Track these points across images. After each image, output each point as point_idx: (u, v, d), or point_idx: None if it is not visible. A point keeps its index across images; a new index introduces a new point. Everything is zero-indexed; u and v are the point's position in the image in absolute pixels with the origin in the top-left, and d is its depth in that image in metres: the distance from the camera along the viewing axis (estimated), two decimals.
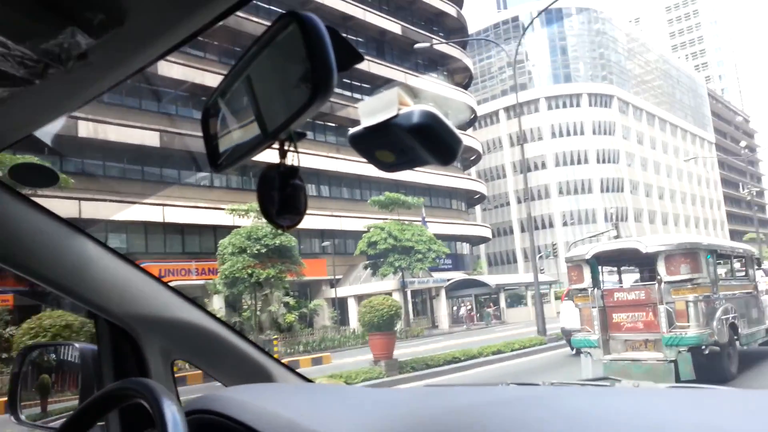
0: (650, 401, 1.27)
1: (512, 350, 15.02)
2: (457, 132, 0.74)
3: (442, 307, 35.65)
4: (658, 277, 8.38)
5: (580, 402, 1.31)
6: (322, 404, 1.27)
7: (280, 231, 24.22)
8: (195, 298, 1.78)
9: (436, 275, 38.36)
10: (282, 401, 1.23)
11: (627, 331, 8.58)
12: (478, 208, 73.98)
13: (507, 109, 72.48)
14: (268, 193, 0.72)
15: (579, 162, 69.79)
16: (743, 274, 10.39)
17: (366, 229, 29.05)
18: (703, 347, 7.95)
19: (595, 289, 8.88)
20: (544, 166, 70.18)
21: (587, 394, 1.46)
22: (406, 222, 29.69)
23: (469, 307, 32.51)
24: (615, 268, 12.07)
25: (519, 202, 71.63)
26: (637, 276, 11.47)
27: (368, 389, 1.76)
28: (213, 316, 1.62)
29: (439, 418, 1.14)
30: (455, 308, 37.35)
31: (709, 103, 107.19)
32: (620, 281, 11.15)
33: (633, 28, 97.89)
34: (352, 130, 0.73)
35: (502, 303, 35.79)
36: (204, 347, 1.60)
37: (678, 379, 7.62)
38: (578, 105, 70.50)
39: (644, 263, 9.97)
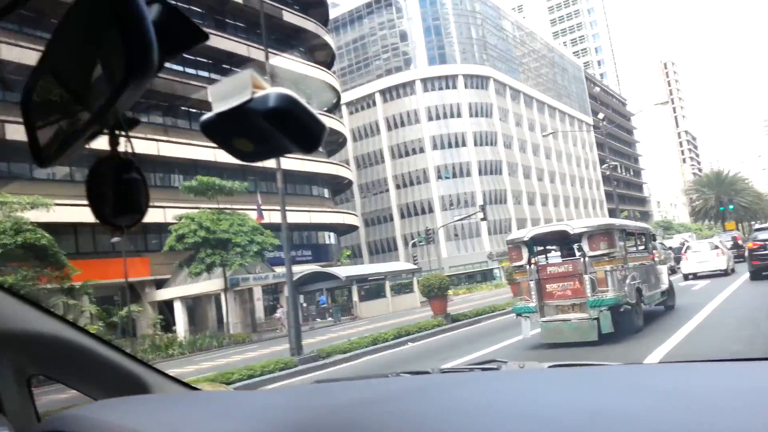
0: (534, 383, 1.40)
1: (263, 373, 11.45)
2: (319, 116, 0.70)
3: (285, 304, 31.94)
4: (582, 253, 10.04)
5: (468, 390, 1.37)
6: (197, 414, 1.21)
7: (26, 228, 20.14)
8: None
9: (280, 269, 34.58)
10: (152, 414, 1.19)
11: (558, 298, 10.09)
12: (357, 195, 70.95)
13: (383, 92, 69.71)
14: (99, 190, 0.64)
15: (457, 145, 68.22)
16: (644, 248, 12.22)
17: (176, 221, 24.74)
18: (619, 307, 9.66)
19: (532, 265, 10.32)
20: (421, 150, 68.08)
21: (475, 381, 1.55)
22: (228, 211, 25.68)
23: (281, 308, 28.88)
24: (542, 247, 12.86)
25: (398, 187, 69.27)
26: (558, 254, 12.75)
27: (256, 393, 1.77)
28: (74, 325, 1.52)
29: (327, 418, 1.13)
30: (304, 305, 33.75)
31: (588, 88, 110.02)
32: (546, 258, 12.17)
33: (518, 16, 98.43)
34: (203, 117, 0.68)
35: (355, 296, 32.58)
36: (65, 360, 1.50)
37: (600, 333, 9.32)
38: (454, 87, 68.82)
39: (571, 242, 11.29)
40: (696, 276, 22.18)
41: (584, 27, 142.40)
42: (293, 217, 38.94)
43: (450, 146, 67.98)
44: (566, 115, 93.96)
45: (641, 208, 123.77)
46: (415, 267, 40.31)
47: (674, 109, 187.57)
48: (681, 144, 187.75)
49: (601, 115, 33.30)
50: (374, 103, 70.18)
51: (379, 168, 69.79)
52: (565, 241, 11.58)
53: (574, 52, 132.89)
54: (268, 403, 1.33)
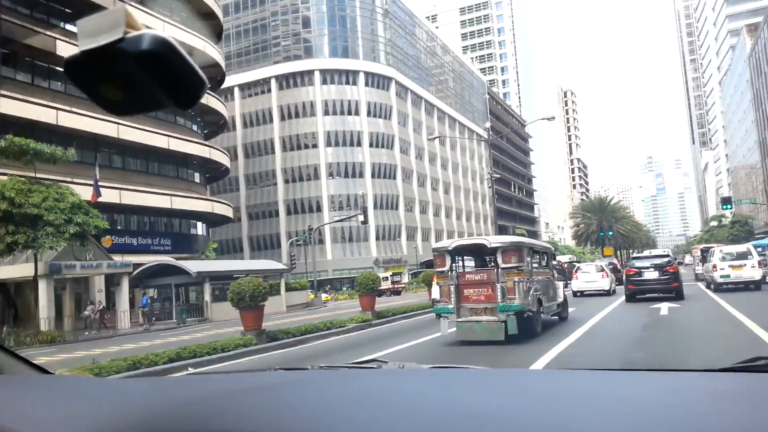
0: (412, 382, 1.44)
1: None
2: (199, 69, 0.64)
3: (124, 300, 27.55)
4: (496, 264, 11.42)
5: (345, 386, 1.41)
6: (47, 397, 1.17)
7: None
8: None
9: (131, 258, 30.04)
10: None
11: (473, 302, 11.39)
12: (243, 186, 66.46)
13: (279, 79, 65.72)
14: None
15: (352, 144, 65.44)
16: (545, 264, 13.72)
17: None
18: (524, 313, 11.05)
19: (453, 271, 11.75)
20: (315, 145, 64.73)
21: (355, 377, 1.59)
22: (45, 182, 21.16)
23: (98, 306, 24.66)
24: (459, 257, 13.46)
25: (287, 182, 65.48)
26: (473, 263, 13.65)
27: (119, 381, 1.71)
28: None
29: (196, 406, 1.11)
30: (148, 302, 29.34)
31: (490, 104, 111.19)
32: (463, 267, 12.95)
33: (431, 26, 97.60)
34: (68, 56, 0.61)
35: (207, 296, 28.67)
36: None
37: (507, 334, 10.58)
38: (355, 83, 66.06)
39: (487, 254, 12.49)
40: (583, 293, 24.69)
41: (493, 45, 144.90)
42: (150, 200, 34.46)
43: (345, 144, 65.09)
44: (465, 128, 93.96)
45: (530, 228, 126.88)
46: (284, 267, 36.89)
47: (569, 137, 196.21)
48: (573, 171, 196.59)
49: (488, 124, 31.51)
50: (269, 90, 66.04)
51: (269, 159, 65.67)
52: (481, 253, 12.79)
53: (481, 69, 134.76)
54: (128, 391, 1.31)
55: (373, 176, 65.76)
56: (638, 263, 20.60)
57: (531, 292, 11.39)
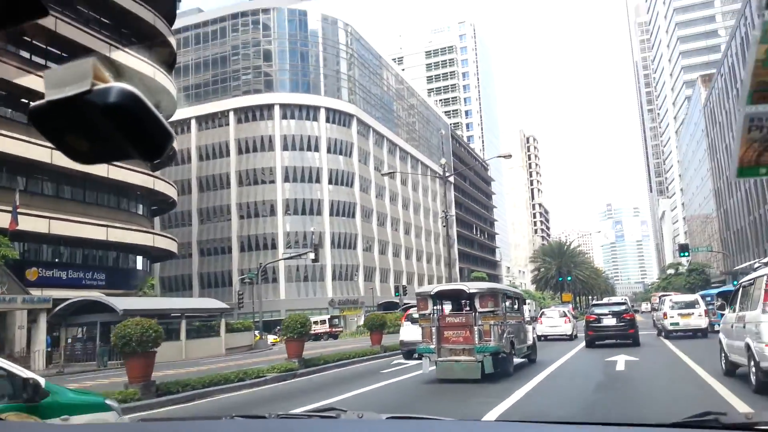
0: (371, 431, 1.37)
1: None
2: (165, 122, 0.64)
3: (40, 339, 24.97)
4: (473, 309, 12.50)
5: None
6: None
7: None
8: None
9: (60, 293, 27.53)
10: None
11: (453, 343, 12.29)
12: (195, 220, 63.99)
13: (238, 112, 64.18)
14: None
15: (311, 180, 63.87)
16: (517, 309, 14.66)
17: None
18: (498, 354, 12.07)
19: (434, 314, 12.59)
20: (272, 180, 62.94)
21: (312, 428, 1.57)
22: None
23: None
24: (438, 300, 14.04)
25: (242, 217, 63.28)
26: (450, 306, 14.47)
27: (72, 426, 1.71)
28: None
29: None
30: (69, 340, 26.79)
31: (454, 147, 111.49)
32: (442, 310, 13.61)
33: (397, 67, 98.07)
34: (33, 104, 0.60)
35: None
36: None
37: (483, 374, 11.57)
38: (315, 119, 64.94)
39: (466, 299, 13.54)
40: (547, 338, 25.97)
41: (458, 89, 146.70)
42: (84, 231, 32.04)
43: (303, 180, 63.47)
44: (428, 168, 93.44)
45: (491, 271, 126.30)
46: (225, 307, 34.57)
47: (531, 182, 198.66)
48: (535, 216, 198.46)
49: (443, 161, 30.44)
50: (227, 123, 64.39)
51: (224, 193, 63.53)
52: (460, 298, 13.81)
53: (445, 111, 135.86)
54: None
55: (331, 214, 64.11)
56: (597, 310, 21.62)
57: (505, 335, 12.36)
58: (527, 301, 50.88)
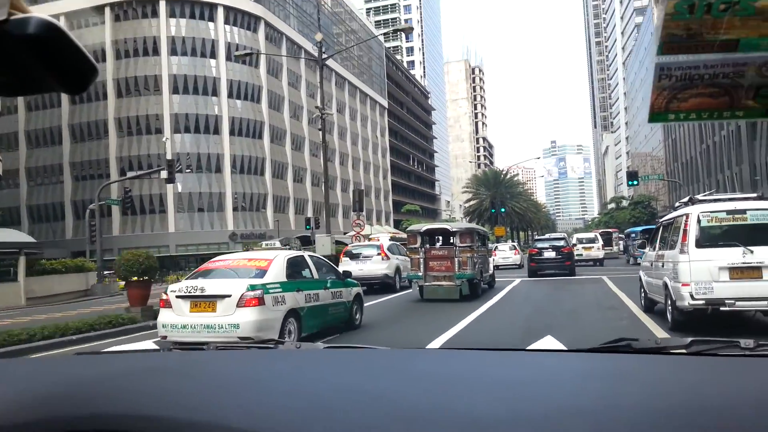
0: (307, 362, 1.51)
1: None
2: (88, 54, 0.61)
3: None
4: (454, 244, 14.89)
5: (240, 366, 1.46)
6: None
7: None
8: None
9: None
10: None
11: (437, 271, 14.74)
12: (67, 139, 53.41)
13: (115, 7, 52.70)
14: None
15: (206, 93, 53.71)
16: (483, 244, 16.99)
17: None
18: (473, 280, 14.76)
19: (422, 248, 14.99)
20: (157, 89, 52.47)
21: (249, 358, 1.64)
22: None
23: None
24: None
25: (120, 135, 52.95)
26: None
27: (9, 362, 1.76)
28: None
29: (91, 386, 1.11)
30: None
31: (390, 71, 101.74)
32: (429, 244, 15.90)
33: (360, 14, 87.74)
34: None
35: None
36: None
37: (461, 295, 14.24)
38: (212, 19, 54.15)
39: (449, 235, 15.54)
40: (499, 267, 29.21)
41: (398, 9, 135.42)
42: None
43: (196, 92, 53.27)
44: (357, 90, 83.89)
45: (430, 205, 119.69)
46: (26, 240, 25.47)
47: (476, 115, 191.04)
48: (478, 150, 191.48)
49: (318, 36, 20.75)
50: (102, 21, 52.95)
51: (100, 106, 52.73)
52: (443, 235, 16.03)
53: (384, 34, 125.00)
54: (20, 373, 1.31)
55: (232, 133, 54.47)
56: (539, 244, 23.84)
57: (477, 265, 15.10)
58: None
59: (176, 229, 52.37)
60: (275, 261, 8.56)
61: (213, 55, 53.90)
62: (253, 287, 7.76)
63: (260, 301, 7.68)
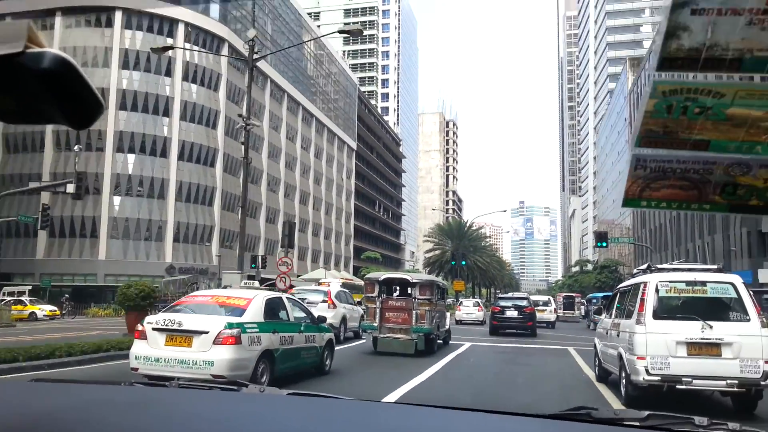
0: (270, 408, 1.52)
1: None
2: (97, 92, 0.63)
3: None
4: (413, 296, 14.33)
5: (202, 408, 1.45)
6: None
7: None
8: None
9: None
10: None
11: (393, 323, 14.16)
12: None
13: (67, 12, 49.13)
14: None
15: (157, 112, 49.91)
16: (441, 298, 16.41)
17: None
18: (430, 334, 14.21)
19: (379, 297, 14.41)
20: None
21: (212, 399, 1.61)
22: None
23: None
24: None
25: (58, 149, 48.55)
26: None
27: None
28: None
29: (43, 417, 1.11)
30: None
31: (362, 113, 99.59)
32: (387, 294, 15.41)
33: (333, 51, 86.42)
34: None
35: None
36: None
37: (416, 350, 13.71)
38: (171, 35, 50.86)
39: (409, 286, 15.18)
40: (462, 322, 31.70)
41: (376, 55, 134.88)
42: None
43: (146, 110, 49.45)
44: (325, 127, 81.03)
45: (392, 254, 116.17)
46: None
47: (447, 168, 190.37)
48: (448, 203, 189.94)
49: (251, 32, 17.51)
50: (52, 25, 49.23)
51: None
52: (402, 285, 15.77)
53: (360, 77, 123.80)
54: None
55: (181, 157, 50.49)
56: (502, 303, 24.42)
57: (434, 319, 14.41)
58: None
59: (107, 257, 47.61)
60: (254, 300, 8.62)
61: (168, 73, 50.42)
62: (230, 325, 7.77)
63: (237, 340, 7.69)
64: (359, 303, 17.82)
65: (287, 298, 10.02)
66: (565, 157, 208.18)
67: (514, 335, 22.12)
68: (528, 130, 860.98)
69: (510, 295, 28.25)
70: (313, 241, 75.76)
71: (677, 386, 7.41)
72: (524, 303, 23.73)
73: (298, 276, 59.15)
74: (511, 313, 23.02)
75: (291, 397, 1.68)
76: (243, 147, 16.65)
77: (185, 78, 50.70)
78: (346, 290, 23.40)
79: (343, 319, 17.61)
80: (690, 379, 7.37)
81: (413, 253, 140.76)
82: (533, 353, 15.48)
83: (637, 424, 1.48)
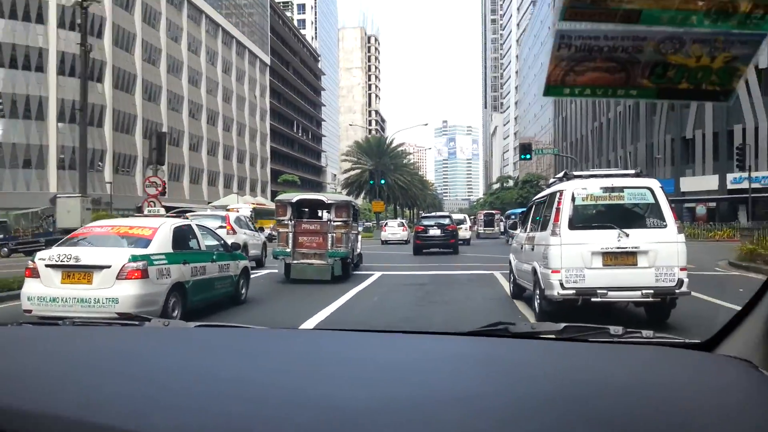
0: (176, 342, 1.46)
1: None
2: None
3: None
4: (329, 218, 13.59)
5: (99, 345, 1.37)
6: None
7: None
8: None
9: None
10: None
11: (307, 247, 13.27)
12: None
13: None
14: None
15: (29, 18, 42.99)
16: (354, 220, 15.25)
17: None
18: (346, 258, 13.51)
19: (292, 221, 13.41)
20: None
21: (112, 335, 1.53)
22: None
23: None
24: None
25: None
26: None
27: None
28: None
29: None
30: None
31: (276, 24, 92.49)
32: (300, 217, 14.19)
33: None
34: None
35: None
36: None
37: (333, 275, 12.89)
38: None
39: (324, 208, 14.45)
40: (388, 242, 32.73)
41: None
42: None
43: (15, 17, 42.42)
44: (234, 39, 74.40)
45: (313, 177, 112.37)
46: None
47: (370, 86, 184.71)
48: (370, 123, 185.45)
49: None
50: None
51: None
52: (318, 207, 14.72)
53: None
54: None
55: (62, 72, 44.16)
56: (425, 222, 24.51)
57: (350, 242, 13.79)
58: None
59: None
60: (161, 230, 7.95)
61: None
62: (135, 258, 7.24)
63: (143, 274, 7.19)
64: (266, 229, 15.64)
65: (197, 225, 9.36)
66: (487, 73, 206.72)
67: (437, 254, 22.43)
68: (451, 47, 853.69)
69: (432, 214, 28.66)
70: (224, 165, 70.97)
71: (592, 299, 7.16)
72: (446, 221, 24.12)
73: (209, 203, 55.11)
74: (434, 232, 23.24)
75: (199, 329, 1.62)
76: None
77: None
78: (246, 216, 22.56)
79: (244, 247, 16.49)
80: (605, 291, 7.17)
81: (335, 175, 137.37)
82: (455, 282, 13.35)
83: (554, 336, 1.53)
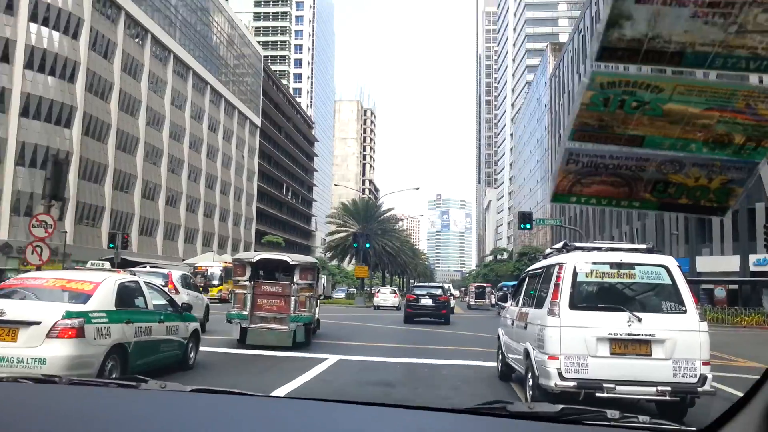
0: (172, 405, 1.46)
1: None
2: None
3: None
4: (292, 280, 12.77)
5: (99, 405, 1.37)
6: None
7: None
8: None
9: None
10: None
11: (266, 311, 12.43)
12: None
13: None
14: None
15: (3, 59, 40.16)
16: (316, 283, 14.19)
17: None
18: (309, 324, 12.72)
19: (251, 281, 12.61)
20: None
21: (108, 396, 1.53)
22: None
23: None
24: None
25: None
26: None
27: None
28: None
29: None
30: None
31: (269, 88, 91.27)
32: (259, 278, 13.47)
33: (234, 15, 77.46)
34: None
35: None
36: None
37: (295, 342, 12.05)
38: None
39: (287, 270, 13.48)
40: (379, 308, 34.35)
41: (289, 33, 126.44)
42: None
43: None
44: (222, 98, 72.36)
45: (303, 241, 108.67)
46: None
47: (364, 156, 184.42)
48: (364, 192, 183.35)
49: None
50: None
51: None
52: (281, 269, 13.70)
53: (271, 56, 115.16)
54: None
55: (25, 114, 41.07)
56: (417, 291, 24.24)
57: (314, 307, 13.15)
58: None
59: None
60: (103, 284, 7.23)
61: (9, 9, 40.77)
62: (70, 314, 6.50)
63: (78, 333, 6.44)
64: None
65: (145, 282, 8.50)
66: (481, 150, 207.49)
67: (427, 322, 22.43)
68: (446, 124, 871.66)
69: (425, 284, 29.44)
70: (205, 222, 67.21)
71: (597, 394, 5.98)
72: (439, 292, 24.16)
73: (183, 260, 51.17)
74: (426, 302, 23.17)
75: (194, 394, 1.61)
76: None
77: (33, 19, 41.25)
78: (192, 275, 21.97)
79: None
80: (613, 386, 6.04)
81: (325, 240, 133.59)
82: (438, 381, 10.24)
83: (553, 417, 1.50)
